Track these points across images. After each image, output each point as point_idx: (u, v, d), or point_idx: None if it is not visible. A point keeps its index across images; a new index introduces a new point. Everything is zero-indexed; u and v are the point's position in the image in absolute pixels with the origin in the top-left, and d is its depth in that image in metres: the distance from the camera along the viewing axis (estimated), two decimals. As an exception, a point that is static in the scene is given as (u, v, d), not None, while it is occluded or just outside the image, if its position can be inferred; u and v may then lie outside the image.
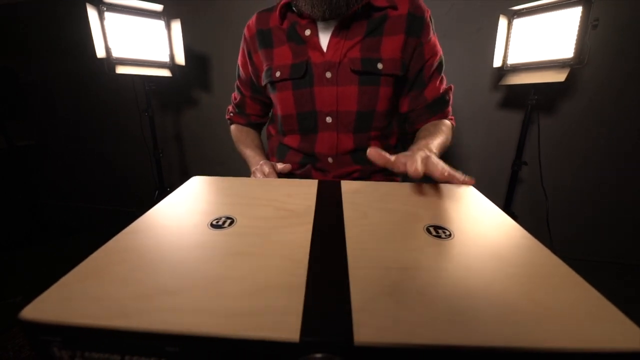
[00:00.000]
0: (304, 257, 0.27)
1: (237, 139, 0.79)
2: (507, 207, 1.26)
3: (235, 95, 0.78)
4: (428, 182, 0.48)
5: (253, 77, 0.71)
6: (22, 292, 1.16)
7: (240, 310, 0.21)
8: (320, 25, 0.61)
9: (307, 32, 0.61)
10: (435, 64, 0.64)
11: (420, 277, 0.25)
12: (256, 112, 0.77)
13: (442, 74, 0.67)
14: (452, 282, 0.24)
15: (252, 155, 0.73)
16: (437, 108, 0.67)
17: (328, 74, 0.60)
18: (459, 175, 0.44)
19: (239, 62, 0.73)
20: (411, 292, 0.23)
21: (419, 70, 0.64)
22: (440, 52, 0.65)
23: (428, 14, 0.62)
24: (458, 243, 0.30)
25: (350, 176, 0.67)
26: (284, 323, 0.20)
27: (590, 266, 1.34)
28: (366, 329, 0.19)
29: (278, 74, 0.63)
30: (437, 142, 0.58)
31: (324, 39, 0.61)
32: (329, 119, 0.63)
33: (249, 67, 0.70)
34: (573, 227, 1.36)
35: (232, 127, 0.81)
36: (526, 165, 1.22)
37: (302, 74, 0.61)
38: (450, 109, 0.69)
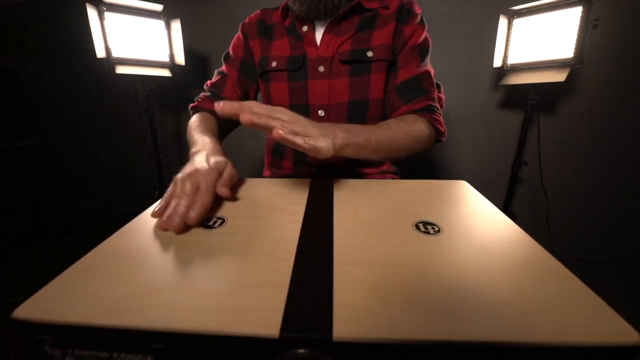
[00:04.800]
0: (290, 256, 0.28)
1: (193, 125, 0.60)
2: (507, 207, 1.26)
3: (213, 78, 0.70)
4: (421, 179, 0.48)
5: (246, 58, 0.69)
6: (22, 292, 1.16)
7: (224, 307, 0.21)
8: (316, 23, 0.64)
9: (305, 29, 0.64)
10: (415, 47, 0.59)
11: (405, 273, 0.25)
12: (234, 97, 0.69)
13: (425, 63, 0.60)
14: (437, 277, 0.24)
15: (199, 139, 0.52)
16: (409, 94, 0.58)
17: (321, 68, 0.62)
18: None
19: (231, 46, 0.71)
20: (395, 288, 0.23)
21: (398, 53, 0.61)
22: (424, 42, 0.60)
23: (417, 9, 0.62)
24: (446, 238, 0.31)
25: (340, 170, 0.66)
26: (265, 319, 0.20)
27: (590, 266, 1.34)
28: (346, 325, 0.19)
29: (274, 64, 0.64)
30: (369, 133, 0.48)
31: (319, 35, 0.64)
32: (321, 112, 0.64)
33: (242, 49, 0.69)
34: (573, 227, 1.36)
35: (194, 116, 0.65)
36: (526, 165, 1.22)
37: (298, 67, 0.63)
38: (429, 102, 0.58)
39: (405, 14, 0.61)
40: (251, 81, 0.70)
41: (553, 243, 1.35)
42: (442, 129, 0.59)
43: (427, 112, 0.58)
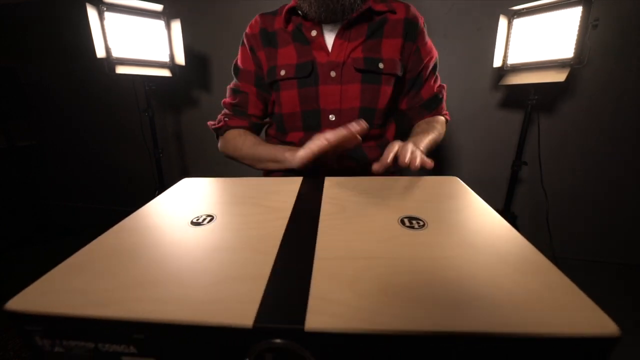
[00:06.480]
0: (273, 250, 0.28)
1: (248, 143, 0.67)
2: (507, 207, 1.26)
3: (232, 98, 0.72)
4: (412, 175, 0.48)
5: (258, 72, 0.69)
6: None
7: (202, 299, 0.22)
8: (325, 27, 0.64)
9: (314, 33, 0.63)
10: (431, 65, 0.69)
11: (383, 266, 0.25)
12: (258, 112, 0.72)
13: (436, 74, 0.72)
14: (416, 270, 0.25)
15: (275, 147, 0.65)
16: (432, 106, 0.72)
17: (333, 73, 0.63)
18: (417, 159, 0.47)
19: (239, 60, 0.71)
20: (371, 280, 0.23)
21: (418, 72, 0.68)
22: (436, 54, 0.70)
23: (422, 21, 0.66)
24: (430, 233, 0.31)
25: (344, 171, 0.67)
26: (242, 310, 0.20)
27: (590, 266, 1.34)
28: (319, 316, 0.20)
29: (283, 72, 0.64)
30: (427, 139, 0.62)
31: (329, 40, 0.64)
32: (332, 117, 0.65)
33: (253, 62, 0.69)
34: (573, 227, 1.36)
35: (227, 134, 0.70)
36: (526, 165, 1.22)
37: (308, 73, 0.63)
38: (444, 105, 0.73)
39: (412, 30, 0.64)
40: (267, 93, 0.70)
41: (553, 243, 1.35)
42: (449, 118, 0.75)
43: (443, 112, 0.74)
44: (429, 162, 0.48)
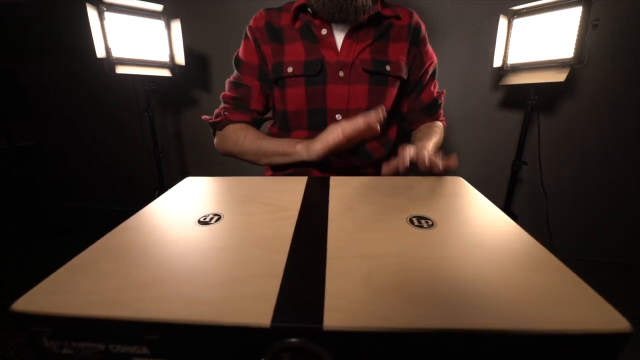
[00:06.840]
0: (284, 249, 0.28)
1: (243, 138, 0.64)
2: (507, 207, 1.26)
3: (233, 91, 0.68)
4: (416, 175, 0.49)
5: (262, 66, 0.66)
6: (22, 292, 1.16)
7: (217, 299, 0.21)
8: (335, 26, 0.64)
9: (324, 32, 0.63)
10: (431, 70, 0.71)
11: (396, 264, 0.25)
12: (260, 107, 0.69)
13: (435, 80, 0.74)
14: (428, 268, 0.25)
15: (282, 141, 0.63)
16: (432, 110, 0.74)
17: (341, 73, 0.63)
18: (439, 162, 0.47)
19: (242, 53, 0.68)
20: (385, 278, 0.23)
21: (419, 76, 0.70)
22: (435, 60, 0.72)
23: (424, 27, 0.69)
24: (439, 232, 0.31)
25: (343, 169, 0.67)
26: (258, 309, 0.20)
27: (590, 266, 1.34)
28: (337, 314, 0.20)
29: (290, 69, 0.63)
30: (432, 142, 0.64)
31: (338, 40, 0.64)
32: (338, 116, 0.65)
33: (257, 56, 0.66)
34: (573, 227, 1.36)
35: (227, 129, 0.67)
36: (526, 165, 1.22)
37: (317, 71, 0.62)
38: (442, 111, 0.76)
39: (416, 36, 0.67)
40: (270, 89, 0.68)
41: (553, 243, 1.35)
42: (445, 124, 0.77)
43: (441, 117, 0.76)
44: (454, 162, 0.47)
